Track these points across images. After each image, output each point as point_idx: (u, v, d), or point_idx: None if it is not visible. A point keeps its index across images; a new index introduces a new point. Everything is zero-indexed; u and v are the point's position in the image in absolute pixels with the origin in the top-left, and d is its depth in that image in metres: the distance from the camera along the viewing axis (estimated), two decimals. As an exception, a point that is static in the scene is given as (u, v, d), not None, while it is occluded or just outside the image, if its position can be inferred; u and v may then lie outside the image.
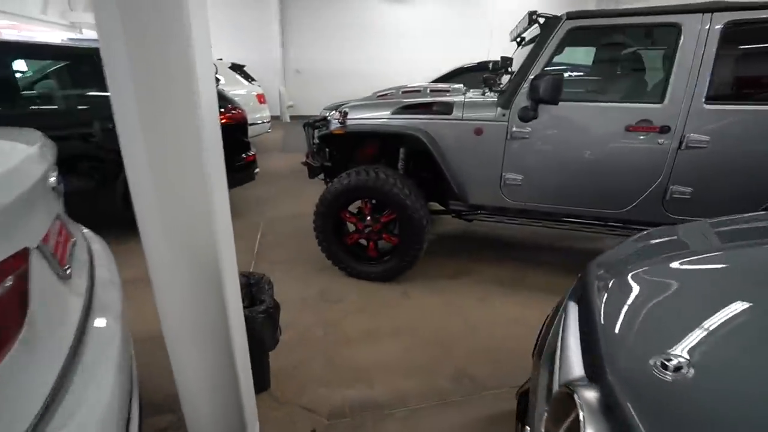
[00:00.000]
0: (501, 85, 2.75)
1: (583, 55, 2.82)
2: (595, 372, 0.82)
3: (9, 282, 0.69)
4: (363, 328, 2.32)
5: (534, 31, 2.61)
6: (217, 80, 5.41)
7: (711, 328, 0.75)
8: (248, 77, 7.42)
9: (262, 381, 1.75)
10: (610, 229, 2.59)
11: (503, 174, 2.57)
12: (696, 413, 0.60)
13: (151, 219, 1.02)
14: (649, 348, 0.74)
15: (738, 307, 0.78)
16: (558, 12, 2.43)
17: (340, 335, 2.25)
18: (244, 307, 1.47)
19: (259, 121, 6.81)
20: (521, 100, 2.41)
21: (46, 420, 0.68)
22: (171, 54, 0.89)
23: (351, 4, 11.36)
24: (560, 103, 2.26)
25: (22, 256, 0.74)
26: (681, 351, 0.70)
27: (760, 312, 0.78)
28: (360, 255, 2.87)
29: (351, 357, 2.07)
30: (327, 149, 3.11)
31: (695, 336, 0.73)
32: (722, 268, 0.95)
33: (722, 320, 0.77)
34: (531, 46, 2.54)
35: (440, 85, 3.15)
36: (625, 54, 2.64)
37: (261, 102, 7.06)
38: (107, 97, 0.92)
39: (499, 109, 2.49)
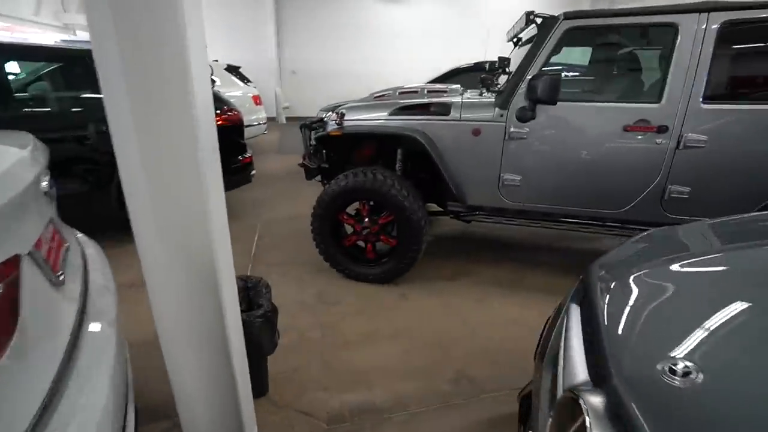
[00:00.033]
0: (498, 86, 2.75)
1: (580, 55, 2.82)
2: (600, 376, 0.81)
3: (-1, 290, 0.67)
4: (361, 331, 2.30)
5: (531, 31, 2.61)
6: (213, 82, 5.38)
7: (717, 332, 0.74)
8: (244, 79, 7.39)
9: (260, 386, 1.73)
10: (608, 230, 2.59)
11: (501, 174, 2.56)
12: (707, 420, 0.59)
13: (146, 222, 1.00)
14: (656, 352, 0.73)
15: (743, 309, 0.77)
16: (554, 12, 2.43)
17: (339, 338, 2.23)
18: (242, 312, 1.45)
19: (255, 123, 6.78)
20: (519, 100, 2.41)
21: (41, 428, 0.67)
22: (165, 54, 0.87)
23: (346, 5, 11.35)
24: (558, 103, 2.25)
25: (13, 263, 0.72)
26: (688, 355, 0.68)
27: (766, 314, 0.77)
28: (358, 257, 2.85)
29: (349, 360, 2.05)
30: (324, 151, 3.09)
31: (702, 339, 0.72)
32: (726, 269, 0.94)
33: (728, 323, 0.76)
34: (528, 46, 2.53)
35: (437, 86, 3.14)
36: (623, 54, 2.64)
37: (257, 103, 7.04)
38: (102, 99, 0.90)
39: (497, 109, 2.48)
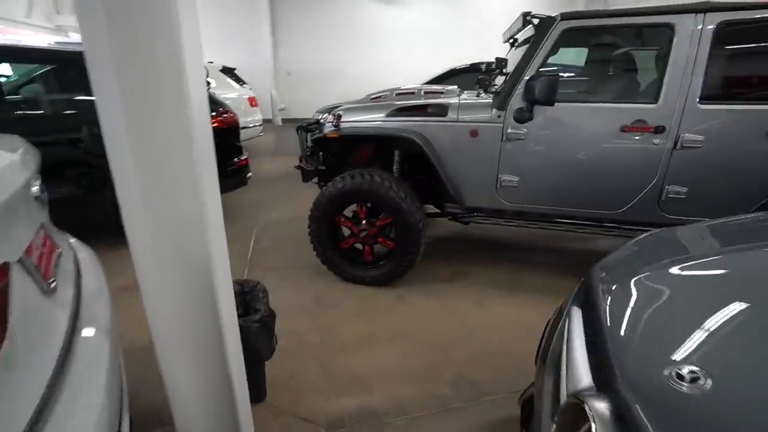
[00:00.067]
0: (496, 87, 2.74)
1: (574, 55, 2.82)
2: (604, 381, 0.79)
3: (-13, 299, 0.65)
4: (359, 334, 2.28)
5: (528, 32, 2.60)
6: (208, 84, 5.35)
7: (723, 335, 0.73)
8: (239, 80, 7.36)
9: (257, 391, 1.71)
10: (606, 230, 2.59)
11: (499, 176, 2.55)
12: (717, 428, 0.57)
13: (140, 225, 0.97)
14: (661, 357, 0.71)
15: (748, 311, 0.76)
16: (549, 13, 2.43)
17: (337, 342, 2.21)
18: (239, 317, 1.43)
19: (250, 125, 6.75)
20: (516, 101, 2.40)
21: (33, 437, 0.65)
22: (159, 54, 0.85)
23: (342, 5, 11.34)
24: (556, 104, 2.25)
25: (2, 270, 0.69)
26: (695, 360, 0.67)
27: (771, 316, 0.76)
28: (355, 259, 2.83)
29: (348, 364, 2.03)
30: (321, 153, 3.08)
31: (707, 343, 0.71)
32: (731, 271, 0.93)
33: (733, 326, 0.75)
34: (525, 47, 2.53)
35: (434, 87, 3.13)
36: (619, 54, 2.64)
37: (252, 105, 7.01)
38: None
39: (494, 110, 2.47)
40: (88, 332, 0.96)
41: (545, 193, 2.56)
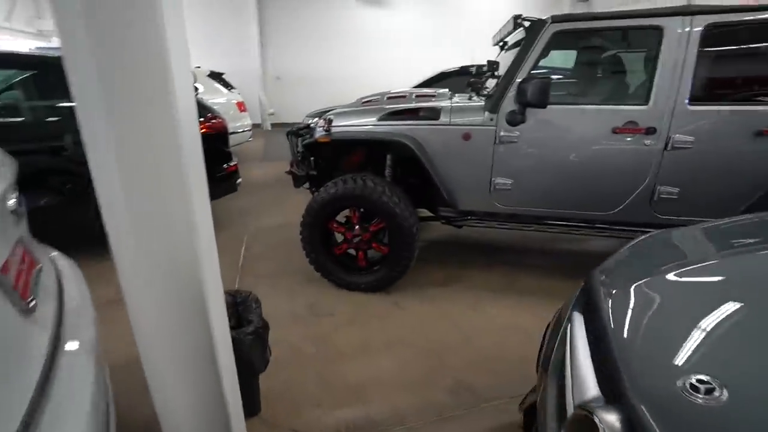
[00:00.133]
0: (487, 90, 2.74)
1: (562, 58, 2.83)
2: (613, 392, 0.77)
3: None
4: (355, 342, 2.24)
5: (518, 35, 2.60)
6: (196, 89, 5.27)
7: (735, 343, 0.71)
8: (227, 85, 7.27)
9: (251, 405, 1.66)
10: (598, 231, 2.59)
11: (493, 179, 2.54)
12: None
13: (124, 235, 0.92)
14: (673, 367, 0.69)
15: (759, 318, 0.75)
16: (538, 16, 2.43)
17: (332, 350, 2.17)
18: (231, 329, 1.38)
19: (239, 130, 6.67)
20: (509, 104, 2.39)
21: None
22: (141, 54, 0.80)
23: (330, 9, 11.32)
24: (548, 106, 2.25)
25: (-26, 291, 0.65)
26: (708, 369, 0.65)
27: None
28: (349, 265, 2.79)
29: (344, 373, 1.99)
30: (312, 158, 3.03)
31: (719, 351, 0.69)
32: (739, 275, 0.91)
33: (745, 333, 0.73)
34: (515, 50, 2.53)
35: (425, 90, 3.12)
36: (609, 56, 2.66)
37: (241, 110, 6.93)
38: None
39: (486, 113, 2.46)
40: (70, 352, 0.91)
41: (538, 195, 2.56)
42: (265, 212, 4.46)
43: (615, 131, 2.32)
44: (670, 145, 2.28)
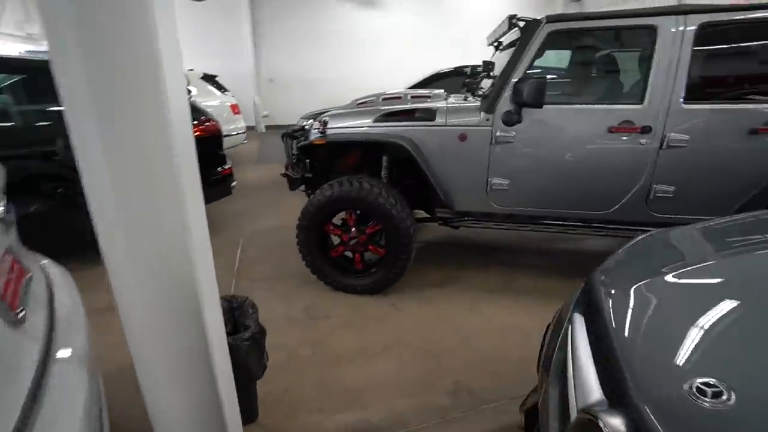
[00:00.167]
0: (483, 90, 2.73)
1: (555, 58, 2.83)
2: (617, 395, 0.76)
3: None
4: (353, 345, 2.22)
5: (513, 35, 2.60)
6: (189, 92, 5.23)
7: (740, 345, 0.70)
8: (221, 87, 7.23)
9: (249, 411, 1.63)
10: (595, 230, 2.59)
11: (489, 179, 2.54)
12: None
13: (115, 240, 0.90)
14: (678, 369, 0.68)
15: (764, 319, 0.74)
16: (532, 16, 2.43)
17: (330, 354, 2.15)
18: (228, 335, 1.36)
19: (234, 133, 6.63)
20: (505, 104, 2.39)
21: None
22: (130, 55, 0.78)
23: (324, 11, 11.29)
24: (544, 106, 2.24)
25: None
26: (715, 372, 0.64)
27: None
28: (346, 268, 2.78)
29: (342, 377, 1.97)
30: (307, 160, 3.01)
31: (726, 353, 0.68)
32: (744, 276, 0.91)
33: (750, 335, 0.72)
34: (510, 50, 2.53)
35: (421, 91, 3.11)
36: (604, 56, 2.66)
37: (235, 112, 6.88)
38: None
39: (482, 113, 2.45)
40: (62, 360, 0.89)
41: (535, 195, 2.55)
42: (261, 215, 4.43)
43: (611, 130, 2.33)
44: (665, 144, 2.29)
